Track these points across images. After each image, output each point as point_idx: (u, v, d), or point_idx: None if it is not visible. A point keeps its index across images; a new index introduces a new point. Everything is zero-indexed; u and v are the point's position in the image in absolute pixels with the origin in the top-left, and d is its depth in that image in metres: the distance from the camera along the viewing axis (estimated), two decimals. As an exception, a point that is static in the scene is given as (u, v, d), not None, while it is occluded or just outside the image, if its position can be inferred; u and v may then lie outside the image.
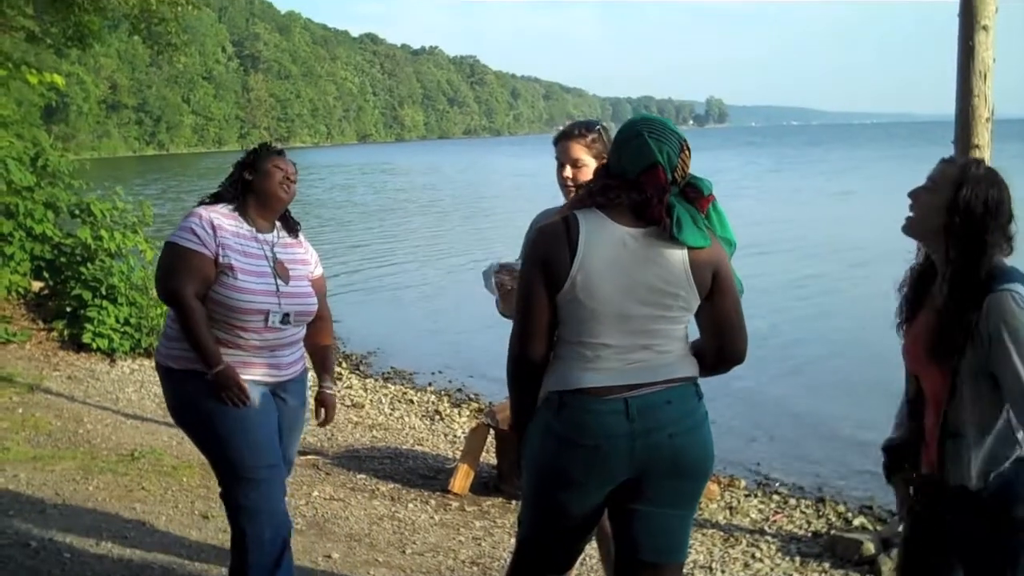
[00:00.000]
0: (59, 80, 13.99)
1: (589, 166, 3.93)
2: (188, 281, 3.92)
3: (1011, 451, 3.03)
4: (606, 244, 3.10)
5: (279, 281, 4.11)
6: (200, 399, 3.97)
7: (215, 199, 4.20)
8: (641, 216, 3.12)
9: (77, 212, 11.84)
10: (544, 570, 3.40)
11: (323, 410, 4.46)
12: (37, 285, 11.81)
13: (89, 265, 11.04)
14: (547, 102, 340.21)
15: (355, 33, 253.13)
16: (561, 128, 4.23)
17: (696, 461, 3.17)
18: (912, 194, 3.20)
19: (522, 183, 49.31)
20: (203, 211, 4.08)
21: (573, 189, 3.94)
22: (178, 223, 4.11)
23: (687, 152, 3.21)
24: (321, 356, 4.49)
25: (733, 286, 3.25)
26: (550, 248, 3.12)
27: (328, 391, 4.46)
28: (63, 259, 11.54)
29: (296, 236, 4.38)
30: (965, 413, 3.07)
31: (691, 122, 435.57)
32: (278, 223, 4.31)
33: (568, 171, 4.01)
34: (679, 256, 3.11)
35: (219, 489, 4.16)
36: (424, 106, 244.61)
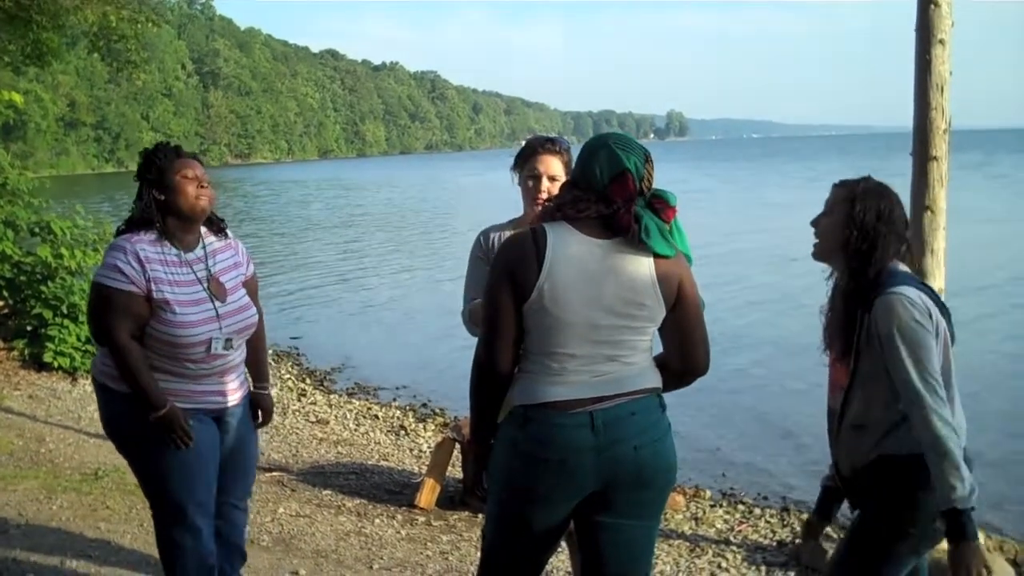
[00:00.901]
0: (18, 98, 13.90)
1: (561, 180, 3.96)
2: (120, 323, 3.80)
3: (903, 445, 3.27)
4: (573, 255, 3.12)
5: (216, 303, 3.98)
6: (139, 427, 3.87)
7: (132, 225, 3.98)
8: (609, 226, 3.14)
9: (37, 230, 11.72)
10: None
11: (260, 412, 4.42)
12: (-4, 304, 11.70)
13: (50, 284, 10.95)
14: (509, 117, 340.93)
15: (315, 49, 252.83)
16: (525, 143, 4.24)
17: (659, 472, 3.20)
18: (814, 222, 3.46)
19: (482, 197, 49.34)
20: (126, 244, 3.88)
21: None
22: (101, 263, 3.95)
23: (651, 164, 3.26)
24: (254, 356, 4.37)
25: (697, 298, 3.29)
26: (517, 258, 3.14)
27: (263, 391, 4.41)
28: (23, 278, 11.43)
29: (224, 237, 4.22)
30: (864, 408, 3.36)
31: (652, 135, 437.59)
32: (203, 228, 4.13)
33: (544, 184, 4.03)
34: (646, 267, 3.14)
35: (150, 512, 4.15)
36: (386, 121, 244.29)
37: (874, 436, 3.34)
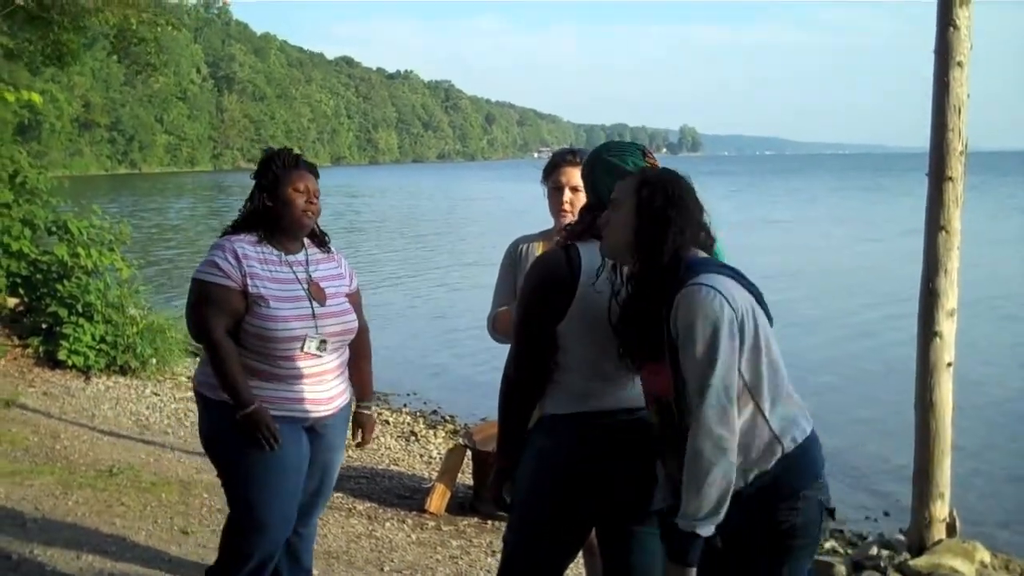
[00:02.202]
0: (36, 98, 13.98)
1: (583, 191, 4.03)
2: (218, 318, 3.84)
3: (772, 453, 2.96)
4: (605, 274, 3.16)
5: (314, 304, 3.99)
6: (231, 431, 3.86)
7: (236, 228, 4.07)
8: None
9: (54, 229, 11.82)
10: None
11: (360, 431, 4.39)
12: (13, 301, 11.78)
13: (65, 282, 11.03)
14: (521, 128, 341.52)
15: (330, 56, 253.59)
16: (551, 155, 4.33)
17: None
18: (602, 220, 3.20)
19: (496, 207, 49.52)
20: (226, 242, 3.96)
21: (570, 213, 4.04)
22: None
23: (650, 155, 3.32)
24: (358, 373, 4.35)
25: None
26: (551, 277, 3.21)
27: (366, 411, 4.39)
28: (39, 276, 11.52)
29: (328, 250, 4.24)
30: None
31: (664, 150, 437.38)
32: (306, 240, 4.18)
33: (567, 195, 4.11)
34: None
35: (224, 524, 4.14)
36: (399, 129, 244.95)
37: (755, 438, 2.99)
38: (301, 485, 4.08)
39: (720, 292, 2.85)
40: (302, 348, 3.92)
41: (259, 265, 3.93)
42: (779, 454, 2.95)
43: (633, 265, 3.05)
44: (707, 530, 2.82)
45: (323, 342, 3.98)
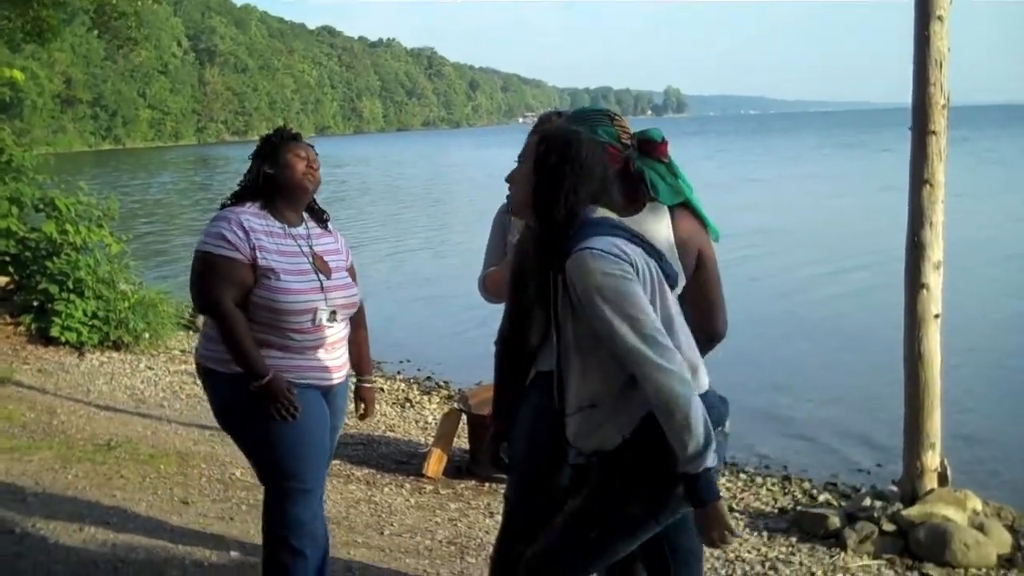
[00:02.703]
0: (19, 76, 13.96)
1: None
2: (226, 290, 3.79)
3: (641, 409, 2.93)
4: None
5: (321, 277, 3.96)
6: (248, 403, 3.81)
7: (237, 198, 4.03)
8: (624, 193, 3.25)
9: (41, 207, 11.80)
10: (531, 541, 3.47)
11: (363, 404, 4.41)
12: (3, 280, 11.77)
13: (55, 259, 11.04)
14: (505, 93, 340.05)
15: (312, 26, 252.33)
16: (539, 117, 4.33)
17: None
18: (508, 177, 3.26)
19: (480, 173, 49.45)
20: (230, 214, 3.92)
21: None
22: (203, 232, 3.95)
23: (619, 119, 3.31)
24: (358, 347, 4.34)
25: (715, 266, 3.39)
26: None
27: (367, 384, 4.41)
28: (28, 253, 11.51)
29: (325, 226, 4.22)
30: (587, 384, 3.02)
31: (649, 112, 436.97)
32: (305, 214, 4.15)
33: None
34: (665, 238, 3.25)
35: (262, 497, 4.04)
36: (383, 98, 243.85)
37: (613, 413, 2.99)
38: (327, 441, 4.07)
39: (607, 252, 2.85)
40: (314, 320, 3.90)
41: (265, 237, 3.89)
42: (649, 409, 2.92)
43: (533, 222, 3.06)
44: (712, 460, 2.82)
45: (333, 313, 3.98)
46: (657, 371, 2.77)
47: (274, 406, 3.77)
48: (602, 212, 3.02)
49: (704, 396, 2.93)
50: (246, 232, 3.85)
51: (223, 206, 4.06)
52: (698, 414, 2.78)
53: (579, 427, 3.05)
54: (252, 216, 3.93)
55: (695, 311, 3.33)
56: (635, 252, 2.90)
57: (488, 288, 4.17)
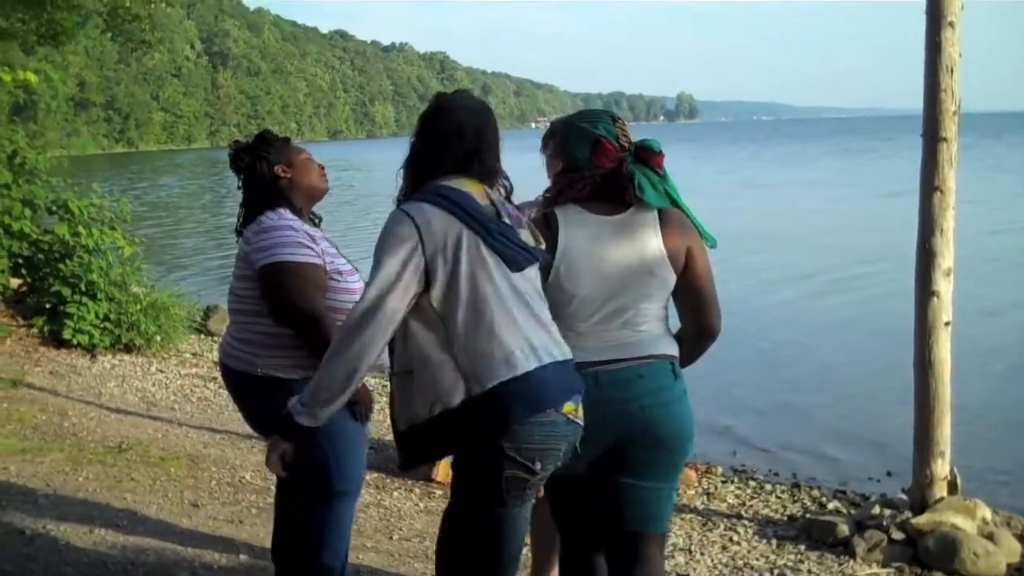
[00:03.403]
0: (32, 78, 13.95)
1: None
2: (319, 297, 3.70)
3: (457, 391, 2.99)
4: (584, 234, 3.30)
5: (359, 275, 3.89)
6: None
7: (256, 204, 3.91)
8: (610, 195, 3.32)
9: (55, 209, 11.83)
10: (574, 548, 3.60)
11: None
12: (16, 282, 11.81)
13: (68, 261, 11.06)
14: (518, 98, 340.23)
15: (325, 30, 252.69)
16: (551, 123, 4.35)
17: (672, 433, 3.34)
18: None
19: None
20: (288, 221, 3.81)
21: None
22: (266, 244, 3.75)
23: (621, 122, 3.46)
24: None
25: (706, 263, 3.44)
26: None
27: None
28: (41, 256, 11.55)
29: (320, 229, 4.11)
30: (409, 348, 3.08)
31: (661, 118, 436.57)
32: None
33: None
34: (654, 237, 3.32)
35: (296, 505, 3.95)
36: (395, 102, 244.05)
37: (424, 385, 3.05)
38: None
39: (412, 217, 3.00)
40: None
41: (321, 241, 3.85)
42: (463, 395, 2.98)
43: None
44: (307, 418, 3.08)
45: None
46: (350, 327, 2.99)
47: (358, 408, 3.74)
48: (456, 182, 3.09)
49: (526, 376, 2.97)
50: (311, 236, 3.80)
51: (247, 213, 3.96)
52: (333, 375, 3.01)
53: (393, 391, 3.18)
54: (298, 221, 3.87)
55: (687, 307, 3.45)
56: (440, 219, 2.98)
57: None
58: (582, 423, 3.11)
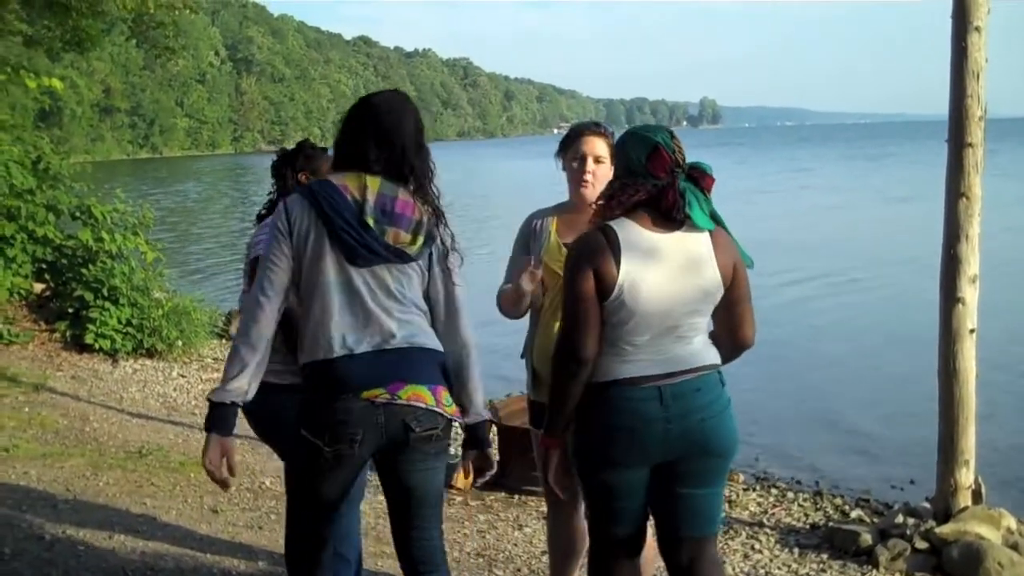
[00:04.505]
0: (58, 84, 14.05)
1: (607, 162, 4.06)
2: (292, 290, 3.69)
3: (303, 354, 3.39)
4: (645, 252, 3.32)
5: None
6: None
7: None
8: (659, 209, 3.33)
9: (78, 214, 11.90)
10: (616, 552, 3.59)
11: None
12: (39, 287, 11.87)
13: (90, 266, 11.12)
14: (541, 104, 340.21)
15: (348, 36, 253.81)
16: (570, 128, 4.33)
17: (724, 441, 3.46)
18: None
19: (519, 184, 49.45)
20: None
21: (591, 184, 4.06)
22: (257, 240, 3.95)
23: (678, 140, 3.45)
24: None
25: (747, 279, 3.51)
26: (597, 254, 3.30)
27: None
28: (64, 261, 11.62)
29: None
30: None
31: (684, 123, 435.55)
32: None
33: (590, 165, 4.11)
34: (707, 254, 3.36)
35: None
36: (418, 108, 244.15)
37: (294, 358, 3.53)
38: None
39: (286, 207, 3.30)
40: None
41: None
42: (305, 359, 3.33)
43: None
44: (221, 394, 3.33)
45: None
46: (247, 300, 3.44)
47: None
48: (339, 176, 3.32)
49: (331, 363, 3.25)
50: None
51: (260, 216, 4.13)
52: (235, 355, 3.29)
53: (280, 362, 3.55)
54: None
55: (727, 320, 3.52)
56: (300, 210, 3.27)
57: (501, 305, 4.21)
58: (411, 403, 3.30)
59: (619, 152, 3.52)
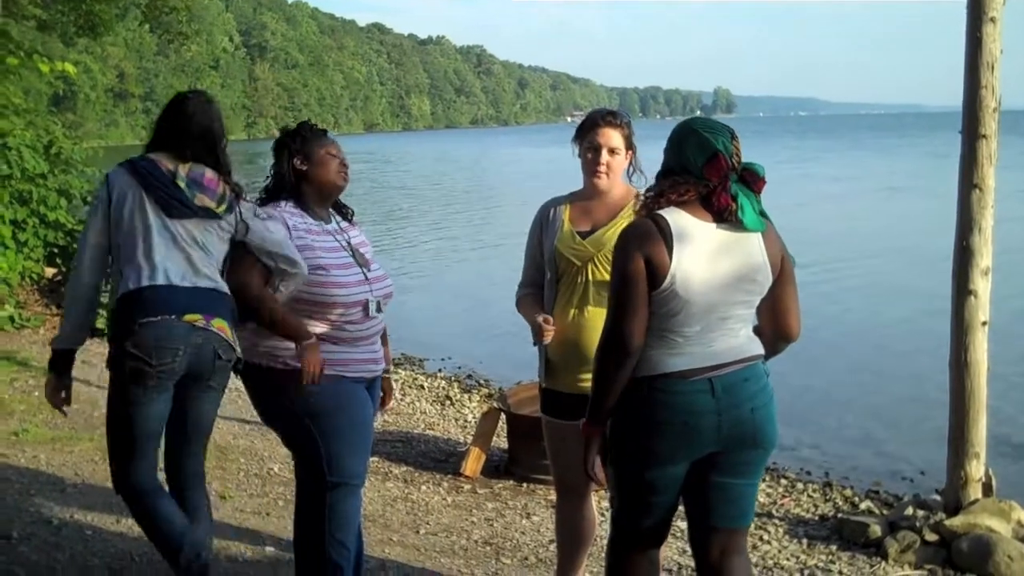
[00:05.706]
0: (71, 69, 14.06)
1: (622, 153, 4.06)
2: (253, 274, 3.90)
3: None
4: (696, 240, 3.28)
5: (363, 269, 4.01)
6: (308, 400, 3.84)
7: (271, 194, 4.09)
8: (708, 206, 3.31)
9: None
10: (639, 544, 3.57)
11: (384, 396, 4.40)
12: (50, 271, 11.90)
13: (102, 251, 11.10)
14: (554, 92, 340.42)
15: (362, 23, 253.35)
16: (587, 115, 4.31)
17: (771, 433, 3.43)
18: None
19: (531, 172, 49.41)
20: (273, 211, 3.97)
21: (605, 175, 4.05)
22: None
23: (737, 140, 3.42)
24: (382, 339, 4.31)
25: (793, 276, 3.50)
26: (649, 243, 3.26)
27: (387, 375, 4.39)
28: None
29: (350, 221, 4.25)
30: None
31: (698, 112, 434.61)
32: (331, 209, 4.19)
33: (604, 156, 4.09)
34: (756, 246, 3.35)
35: (295, 497, 4.11)
36: (431, 95, 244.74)
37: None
38: (371, 439, 4.13)
39: (108, 177, 3.96)
40: (366, 312, 3.96)
41: (308, 236, 3.94)
42: (131, 286, 3.84)
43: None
44: (59, 342, 4.16)
45: (379, 303, 4.04)
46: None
47: (308, 372, 3.79)
48: (156, 154, 3.98)
49: (151, 288, 3.81)
50: (288, 230, 3.91)
51: (259, 200, 4.11)
52: (69, 306, 4.11)
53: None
54: (290, 214, 3.98)
55: (772, 312, 3.51)
56: (121, 179, 3.91)
57: (520, 310, 4.24)
58: (219, 332, 3.85)
59: (677, 147, 3.42)
